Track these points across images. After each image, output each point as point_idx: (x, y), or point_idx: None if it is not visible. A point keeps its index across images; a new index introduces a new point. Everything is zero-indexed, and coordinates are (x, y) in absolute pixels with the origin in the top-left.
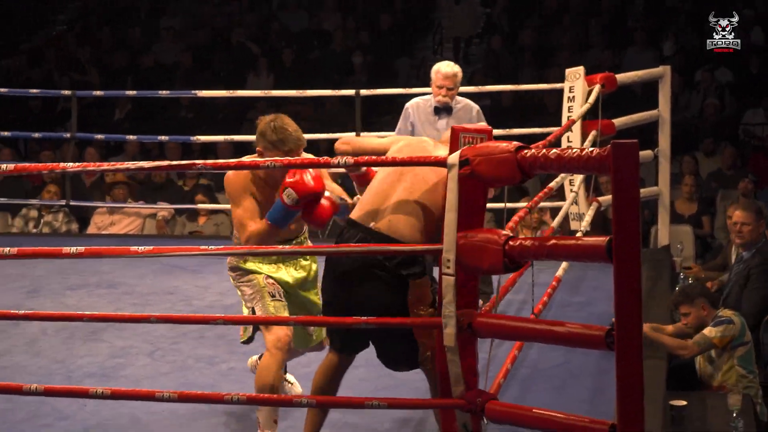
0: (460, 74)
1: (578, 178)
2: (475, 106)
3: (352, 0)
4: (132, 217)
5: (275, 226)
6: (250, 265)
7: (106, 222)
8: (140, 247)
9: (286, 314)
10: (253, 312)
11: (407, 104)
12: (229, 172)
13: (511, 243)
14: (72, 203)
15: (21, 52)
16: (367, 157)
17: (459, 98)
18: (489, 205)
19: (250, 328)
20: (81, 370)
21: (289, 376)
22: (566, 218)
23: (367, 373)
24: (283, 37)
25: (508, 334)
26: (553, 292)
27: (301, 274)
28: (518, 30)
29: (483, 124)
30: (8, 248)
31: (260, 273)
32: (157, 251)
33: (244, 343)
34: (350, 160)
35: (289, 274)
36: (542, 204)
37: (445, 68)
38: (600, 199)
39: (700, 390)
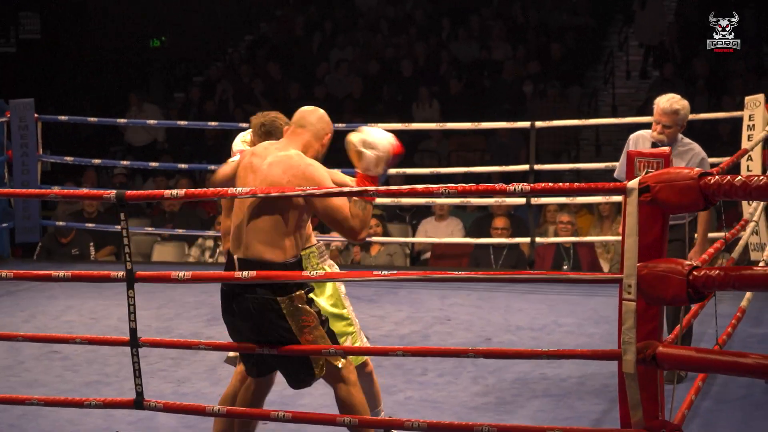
0: (683, 112)
1: (759, 208)
2: (702, 154)
3: (522, 30)
4: None
5: None
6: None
7: None
8: (313, 272)
9: None
10: None
11: (631, 135)
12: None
13: (695, 273)
14: None
15: (194, 85)
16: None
17: (687, 140)
18: None
19: None
20: None
21: None
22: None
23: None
24: (453, 68)
25: (694, 365)
26: (737, 323)
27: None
28: (691, 58)
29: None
30: (183, 272)
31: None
32: (328, 276)
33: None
34: (527, 187)
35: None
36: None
37: (663, 102)
38: None
39: None
